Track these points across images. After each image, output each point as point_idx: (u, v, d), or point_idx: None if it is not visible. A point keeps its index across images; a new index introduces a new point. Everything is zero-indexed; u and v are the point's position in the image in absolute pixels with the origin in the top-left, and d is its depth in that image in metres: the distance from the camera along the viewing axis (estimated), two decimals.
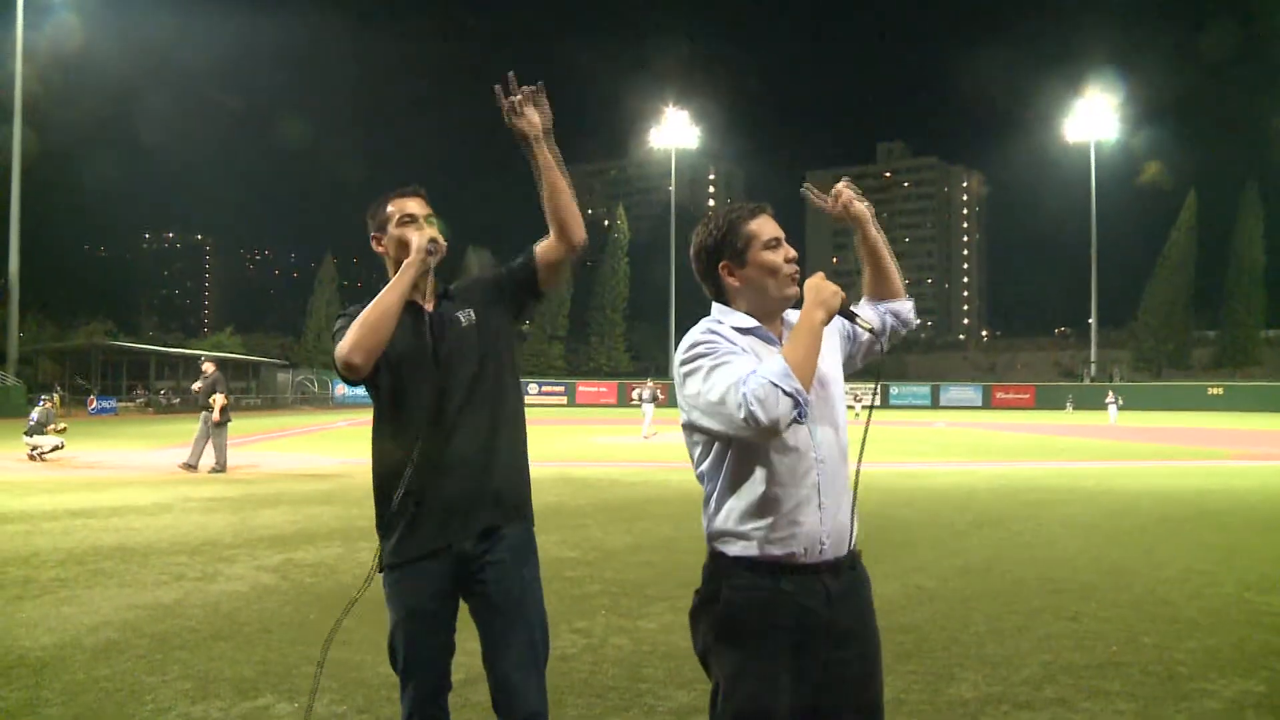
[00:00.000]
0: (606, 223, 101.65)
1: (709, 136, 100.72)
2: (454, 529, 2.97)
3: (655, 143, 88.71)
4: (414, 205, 3.16)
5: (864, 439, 2.55)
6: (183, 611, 6.43)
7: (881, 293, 2.81)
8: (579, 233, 3.07)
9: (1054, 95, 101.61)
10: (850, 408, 2.86)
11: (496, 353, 3.09)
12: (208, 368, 17.62)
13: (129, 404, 51.24)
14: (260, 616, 6.33)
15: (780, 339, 2.56)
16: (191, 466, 16.55)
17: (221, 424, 16.67)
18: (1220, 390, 65.78)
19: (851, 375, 2.82)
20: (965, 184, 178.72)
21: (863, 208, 2.73)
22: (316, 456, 20.76)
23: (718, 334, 2.54)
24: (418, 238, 3.06)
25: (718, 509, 2.54)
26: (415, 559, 3.00)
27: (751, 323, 2.57)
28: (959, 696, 4.77)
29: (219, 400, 16.64)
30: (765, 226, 2.62)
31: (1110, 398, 49.64)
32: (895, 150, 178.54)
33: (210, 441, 16.64)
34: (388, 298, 2.94)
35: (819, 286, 2.49)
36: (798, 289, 2.57)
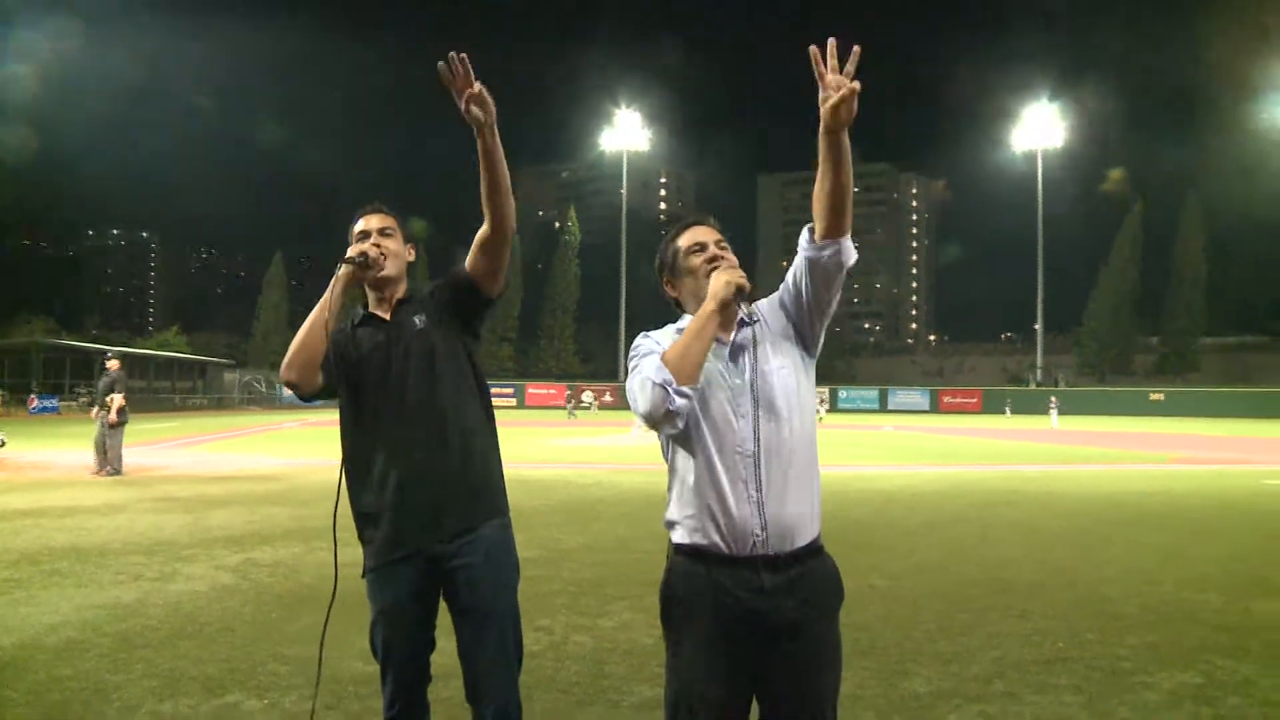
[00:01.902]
0: (557, 225, 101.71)
1: (660, 139, 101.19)
2: (423, 533, 3.06)
3: (606, 145, 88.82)
4: (370, 221, 3.27)
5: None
6: (143, 611, 6.43)
7: (837, 223, 2.59)
8: (512, 220, 3.09)
9: (1003, 104, 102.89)
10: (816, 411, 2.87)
11: (453, 357, 3.16)
12: (112, 365, 16.63)
13: (71, 403, 50.40)
14: (222, 616, 6.35)
15: (726, 335, 2.65)
16: (112, 470, 15.86)
17: (118, 425, 15.93)
18: (1161, 396, 66.99)
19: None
20: (915, 190, 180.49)
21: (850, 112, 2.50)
22: (266, 457, 20.62)
23: (649, 337, 2.70)
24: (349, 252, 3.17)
25: (667, 498, 2.68)
26: (389, 563, 3.09)
27: (687, 318, 2.71)
28: (912, 691, 4.92)
29: (116, 400, 15.85)
30: (689, 236, 2.78)
31: (1053, 402, 50.49)
32: None
33: (106, 443, 15.96)
34: (312, 315, 3.07)
35: (715, 277, 2.60)
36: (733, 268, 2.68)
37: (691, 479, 2.58)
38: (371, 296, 3.27)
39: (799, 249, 2.65)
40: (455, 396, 3.13)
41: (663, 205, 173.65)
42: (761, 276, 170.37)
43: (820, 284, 2.63)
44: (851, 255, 2.63)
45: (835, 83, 2.43)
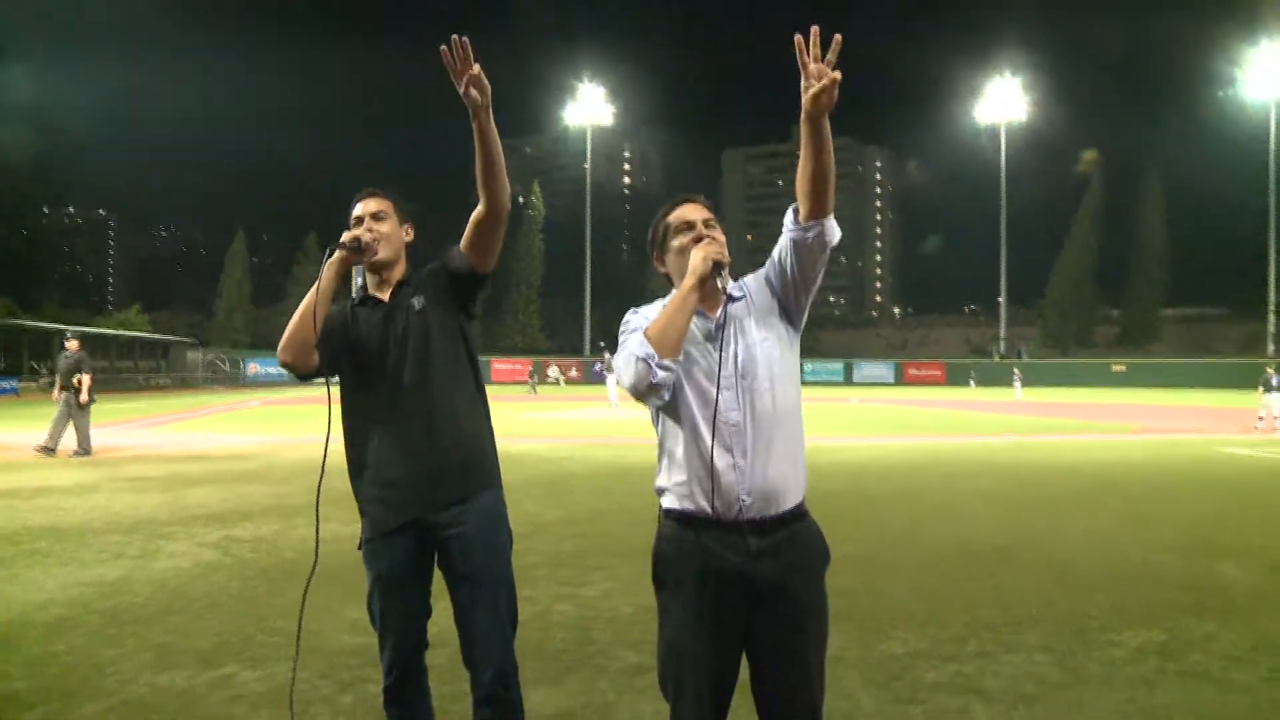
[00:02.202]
0: (521, 200, 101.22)
1: (624, 114, 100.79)
2: (417, 504, 3.15)
3: (570, 120, 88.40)
4: (365, 205, 3.33)
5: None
6: (129, 588, 6.49)
7: (820, 204, 2.67)
8: (507, 200, 3.17)
9: (967, 77, 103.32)
10: None
11: (448, 337, 3.24)
12: (71, 345, 16.33)
13: (31, 384, 49.78)
14: (209, 591, 6.42)
15: (711, 310, 2.76)
16: (50, 450, 15.51)
17: (88, 405, 15.83)
18: (1123, 367, 67.85)
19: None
20: (879, 163, 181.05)
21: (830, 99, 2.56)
22: (238, 436, 20.55)
23: (638, 313, 2.84)
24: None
25: (657, 466, 2.81)
26: (385, 533, 3.19)
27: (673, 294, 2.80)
28: (891, 652, 5.08)
29: (86, 380, 15.76)
30: (678, 214, 2.88)
31: (1017, 374, 51.01)
32: None
33: (72, 423, 15.74)
34: (306, 298, 3.16)
35: (694, 253, 2.71)
36: (714, 244, 2.77)
37: (679, 448, 2.70)
38: (370, 279, 3.34)
39: (784, 229, 2.74)
40: (450, 376, 3.22)
41: (627, 180, 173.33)
42: (728, 249, 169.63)
43: (805, 261, 2.73)
44: (835, 234, 2.73)
45: (817, 72, 2.51)
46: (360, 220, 3.29)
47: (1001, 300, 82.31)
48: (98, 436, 17.26)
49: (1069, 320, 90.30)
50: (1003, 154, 79.64)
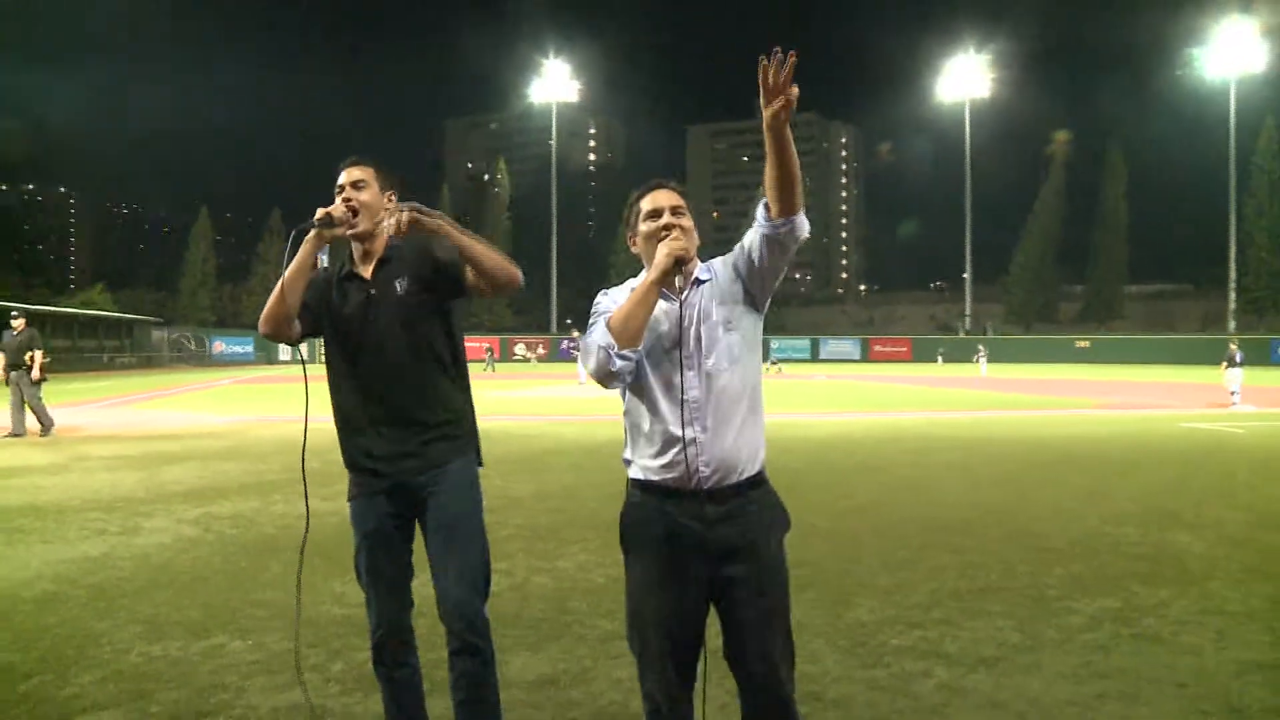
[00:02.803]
0: (486, 177, 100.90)
1: (589, 90, 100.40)
2: (397, 472, 3.30)
3: (535, 96, 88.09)
4: (347, 174, 3.39)
5: None
6: (113, 564, 6.60)
7: (789, 203, 2.78)
8: (502, 279, 3.23)
9: (931, 53, 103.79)
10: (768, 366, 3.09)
11: (429, 319, 3.35)
12: (18, 324, 16.04)
13: None
14: (192, 566, 6.55)
15: (678, 293, 2.86)
16: (19, 435, 15.36)
17: (39, 382, 15.67)
18: (1087, 343, 68.65)
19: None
20: (844, 139, 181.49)
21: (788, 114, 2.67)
22: (209, 415, 20.57)
23: (607, 295, 3.00)
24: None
25: (624, 439, 2.99)
26: (370, 493, 3.35)
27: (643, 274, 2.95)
28: (857, 620, 5.29)
29: (38, 356, 15.57)
30: (649, 200, 2.99)
31: (981, 351, 51.51)
32: None
33: (27, 404, 15.57)
34: (284, 272, 3.26)
35: (659, 249, 2.84)
36: (679, 240, 2.87)
37: (644, 422, 2.87)
38: (356, 249, 3.41)
39: (755, 223, 2.87)
40: (430, 354, 3.33)
41: (592, 156, 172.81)
42: (695, 231, 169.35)
43: (775, 254, 2.88)
44: (805, 229, 2.87)
45: (775, 90, 2.62)
46: (341, 189, 3.36)
47: (966, 277, 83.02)
48: (66, 415, 17.26)
49: (1033, 297, 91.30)
50: (967, 130, 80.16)
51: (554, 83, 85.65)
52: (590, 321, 2.91)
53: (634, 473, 2.91)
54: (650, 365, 2.85)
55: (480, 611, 3.30)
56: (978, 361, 49.77)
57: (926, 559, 6.76)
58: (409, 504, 3.33)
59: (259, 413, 20.87)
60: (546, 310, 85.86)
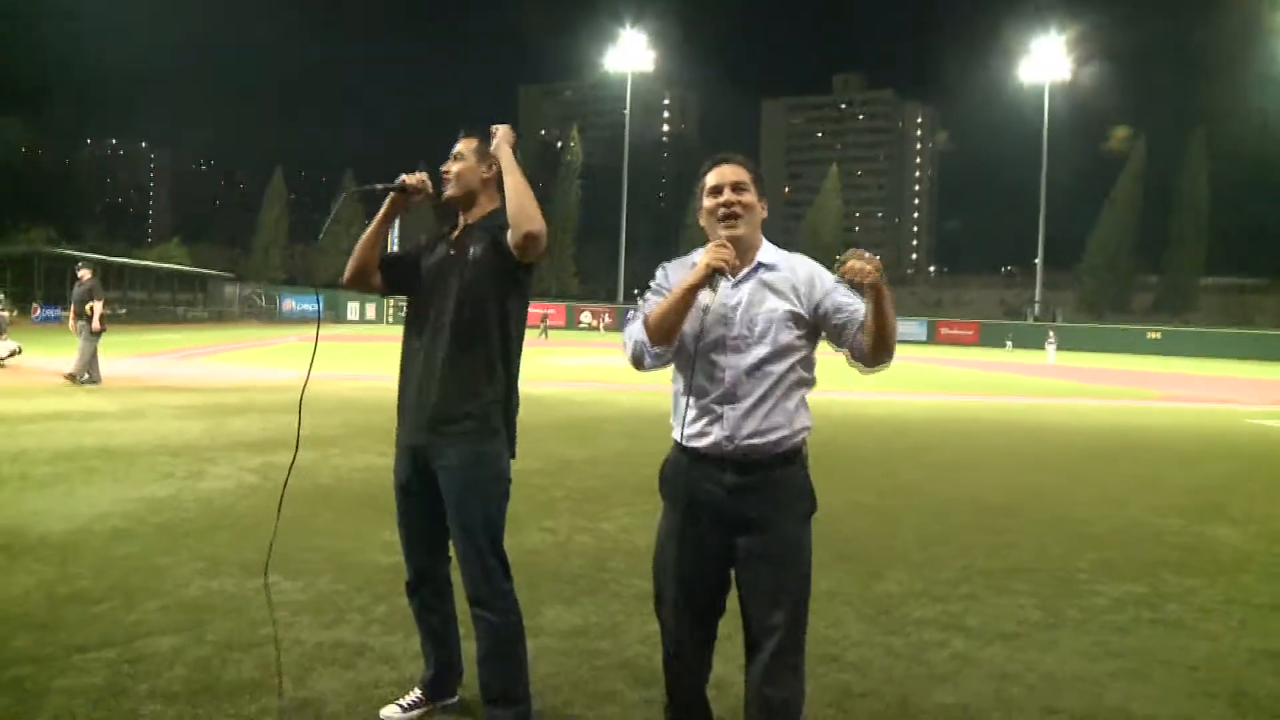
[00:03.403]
0: (560, 145, 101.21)
1: (665, 61, 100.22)
2: (417, 433, 3.48)
3: (610, 65, 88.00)
4: (458, 145, 3.60)
5: None
6: (178, 505, 6.94)
7: (875, 358, 3.00)
8: (527, 230, 3.27)
9: (1011, 34, 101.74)
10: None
11: (486, 289, 3.44)
12: (84, 274, 16.38)
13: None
14: (251, 511, 6.86)
15: (735, 273, 2.96)
16: (95, 381, 15.69)
17: (97, 334, 15.88)
18: (1159, 335, 67.32)
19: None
20: (919, 119, 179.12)
21: (875, 279, 2.83)
22: (275, 370, 21.11)
23: (664, 269, 3.15)
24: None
25: (671, 404, 3.14)
26: (399, 445, 3.58)
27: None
28: (885, 591, 5.44)
29: (97, 307, 15.87)
30: (714, 175, 3.09)
31: (1050, 338, 50.81)
32: (851, 82, 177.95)
33: (81, 349, 15.78)
34: (365, 233, 3.55)
35: (703, 255, 2.93)
36: (731, 229, 3.00)
37: (682, 392, 3.05)
38: (463, 216, 3.61)
39: (844, 340, 3.00)
40: (474, 326, 3.43)
41: (665, 128, 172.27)
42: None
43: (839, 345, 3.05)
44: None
45: (858, 270, 2.80)
46: (450, 157, 3.58)
47: (1038, 262, 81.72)
48: (141, 366, 17.83)
49: (1106, 285, 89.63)
50: (1045, 113, 78.63)
51: (629, 52, 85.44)
52: (643, 299, 3.07)
53: (673, 433, 3.08)
54: (691, 338, 2.97)
55: (487, 588, 3.41)
56: (1047, 348, 49.11)
57: (961, 537, 6.87)
58: (424, 465, 3.48)
59: (324, 370, 21.35)
60: (614, 279, 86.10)
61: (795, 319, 2.97)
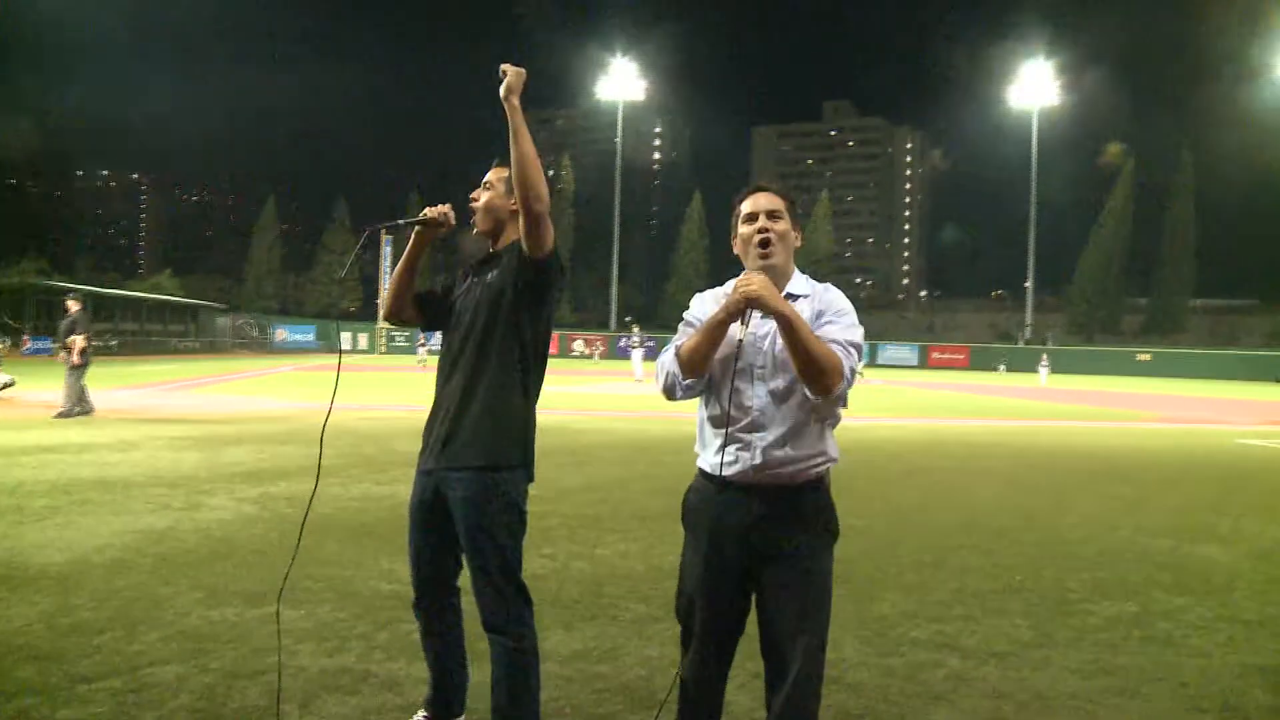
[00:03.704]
0: (551, 173, 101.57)
1: (656, 89, 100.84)
2: (433, 458, 3.52)
3: (602, 94, 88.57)
4: (490, 174, 3.65)
5: None
6: (177, 536, 6.98)
7: (815, 388, 2.90)
8: (529, 191, 3.27)
9: (1000, 61, 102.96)
10: None
11: (503, 314, 3.48)
12: (71, 306, 16.28)
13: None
14: (250, 541, 6.90)
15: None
16: (87, 412, 15.56)
17: (79, 366, 15.67)
18: (1149, 356, 67.71)
19: None
20: (909, 145, 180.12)
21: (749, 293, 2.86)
22: (270, 400, 21.15)
23: (701, 300, 3.19)
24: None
25: (697, 431, 3.19)
26: (419, 471, 3.62)
27: (734, 282, 3.09)
28: (880, 613, 5.50)
29: (78, 342, 15.69)
30: (749, 203, 3.14)
31: (1043, 361, 51.02)
32: (842, 109, 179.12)
33: (66, 383, 15.61)
34: (398, 266, 3.64)
35: (737, 286, 2.95)
36: (765, 256, 3.04)
37: (709, 420, 3.11)
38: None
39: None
40: (490, 352, 3.48)
41: (657, 155, 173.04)
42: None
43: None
44: (840, 399, 3.04)
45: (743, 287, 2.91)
46: (483, 186, 3.64)
47: (1029, 286, 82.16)
48: (135, 398, 17.83)
49: (1096, 308, 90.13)
50: (1034, 138, 79.29)
51: (621, 81, 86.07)
52: (680, 329, 3.12)
53: (699, 461, 3.14)
54: (722, 369, 3.02)
55: (502, 613, 3.45)
56: (1039, 371, 49.31)
57: (955, 559, 6.94)
58: (436, 492, 3.52)
59: (317, 399, 21.42)
60: (605, 308, 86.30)
61: None
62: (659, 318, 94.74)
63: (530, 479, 3.58)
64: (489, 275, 3.54)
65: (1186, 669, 4.66)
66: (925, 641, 5.00)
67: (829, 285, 3.14)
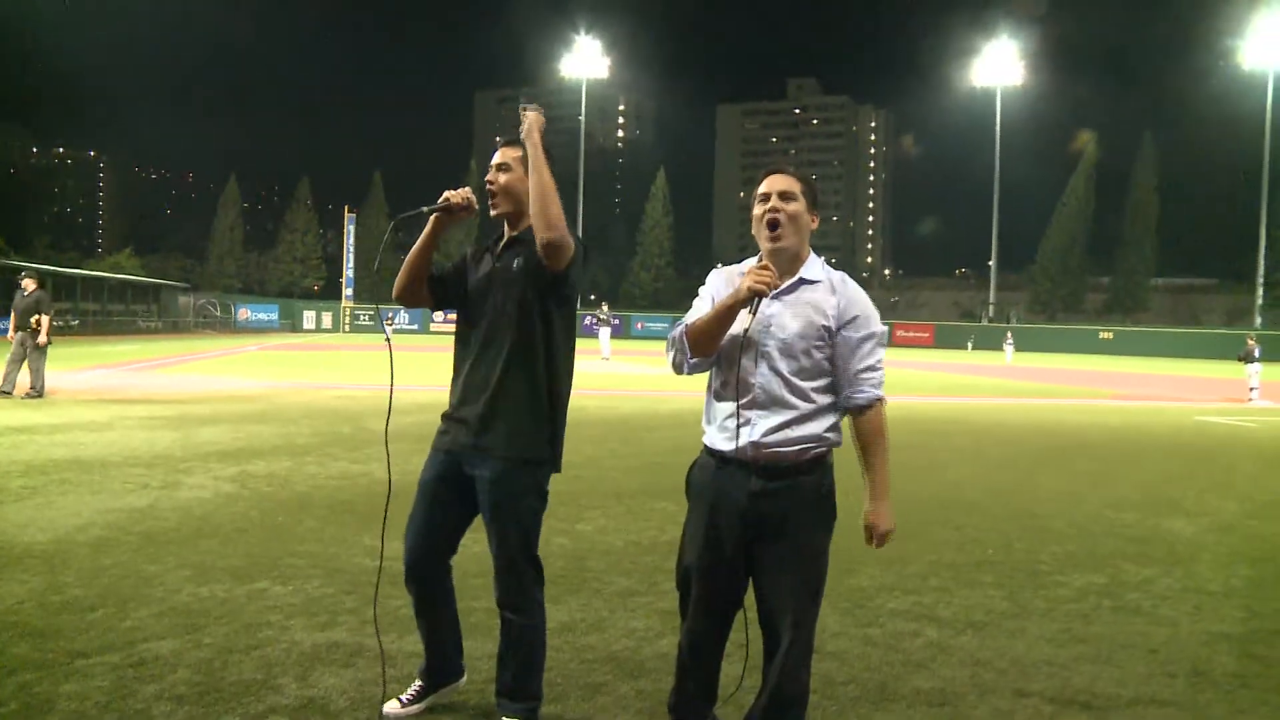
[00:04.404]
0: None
1: (620, 67, 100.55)
2: (458, 442, 3.56)
3: (566, 71, 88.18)
4: (501, 154, 3.63)
5: None
6: (158, 515, 7.00)
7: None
8: (547, 224, 3.33)
9: (964, 39, 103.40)
10: None
11: (530, 302, 3.51)
12: (28, 284, 15.89)
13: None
14: (232, 519, 6.94)
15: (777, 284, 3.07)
16: (6, 393, 15.08)
17: (44, 346, 15.50)
18: (1110, 335, 68.47)
19: None
20: (874, 123, 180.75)
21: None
22: (240, 379, 21.07)
23: (719, 274, 3.26)
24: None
25: (704, 406, 3.27)
26: (435, 449, 3.65)
27: (750, 264, 3.18)
28: (858, 585, 5.63)
29: (45, 321, 15.47)
30: (765, 184, 3.17)
31: (1008, 339, 51.48)
32: (806, 87, 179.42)
33: (27, 364, 15.37)
34: (411, 251, 3.59)
35: (744, 278, 3.02)
36: (774, 239, 3.09)
37: (714, 396, 3.19)
38: (506, 227, 3.67)
39: (849, 402, 3.18)
40: (519, 339, 3.50)
41: (620, 133, 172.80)
42: (719, 205, 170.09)
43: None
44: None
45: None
46: (496, 168, 3.61)
47: (992, 264, 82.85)
48: (97, 377, 17.70)
49: (1059, 286, 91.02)
50: (998, 118, 79.79)
51: (584, 58, 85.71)
52: (694, 304, 3.19)
53: (704, 437, 3.21)
54: (731, 348, 3.09)
55: (517, 590, 3.55)
56: (1005, 349, 49.72)
57: (928, 534, 7.09)
58: (457, 475, 3.56)
59: (287, 379, 21.38)
60: None
61: (827, 333, 3.07)
62: (624, 296, 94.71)
63: (557, 470, 3.69)
64: (515, 262, 3.54)
65: (1156, 637, 4.82)
66: (903, 612, 5.13)
67: (845, 276, 3.19)
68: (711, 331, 3.05)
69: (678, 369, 3.18)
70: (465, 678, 3.86)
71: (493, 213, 3.65)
